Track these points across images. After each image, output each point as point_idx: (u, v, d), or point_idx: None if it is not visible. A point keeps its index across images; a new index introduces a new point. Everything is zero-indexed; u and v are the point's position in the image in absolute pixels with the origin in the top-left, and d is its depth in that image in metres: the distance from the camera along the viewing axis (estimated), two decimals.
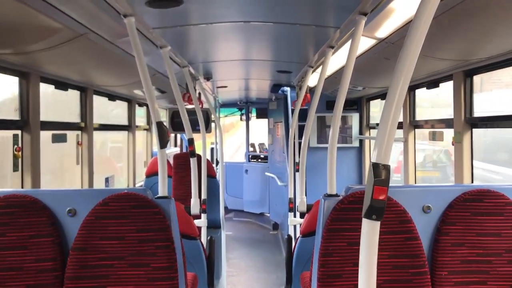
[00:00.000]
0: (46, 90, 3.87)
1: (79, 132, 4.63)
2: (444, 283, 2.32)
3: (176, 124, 6.47)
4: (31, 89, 3.48)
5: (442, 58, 3.33)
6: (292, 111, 7.26)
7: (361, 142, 7.08)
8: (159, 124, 2.56)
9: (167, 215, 2.42)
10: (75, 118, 4.60)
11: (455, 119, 3.78)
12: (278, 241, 8.83)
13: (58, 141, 4.19)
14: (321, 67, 3.64)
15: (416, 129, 4.90)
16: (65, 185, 4.85)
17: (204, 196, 4.62)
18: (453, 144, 3.83)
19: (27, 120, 3.47)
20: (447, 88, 4.11)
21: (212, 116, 6.76)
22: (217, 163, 8.74)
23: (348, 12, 2.59)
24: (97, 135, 5.01)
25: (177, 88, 3.59)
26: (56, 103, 4.50)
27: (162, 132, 2.56)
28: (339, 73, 4.69)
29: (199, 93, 5.19)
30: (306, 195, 4.41)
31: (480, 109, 3.69)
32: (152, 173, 5.83)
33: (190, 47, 3.83)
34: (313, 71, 4.45)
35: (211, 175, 5.86)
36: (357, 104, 6.98)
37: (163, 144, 2.58)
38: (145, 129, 7.21)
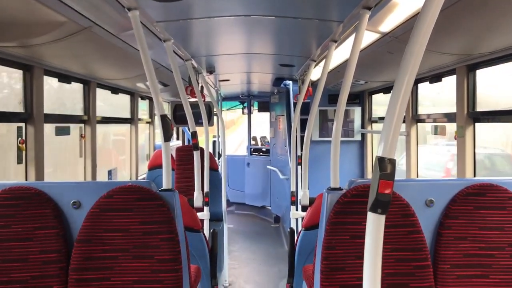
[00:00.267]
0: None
1: (82, 125, 4.65)
2: (447, 277, 2.34)
3: (178, 117, 6.49)
4: (35, 82, 3.49)
5: (446, 53, 3.33)
6: (294, 104, 7.27)
7: (363, 136, 7.08)
8: (164, 117, 2.57)
9: (171, 207, 2.43)
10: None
11: (458, 114, 3.79)
12: (280, 234, 8.86)
13: (61, 134, 4.21)
14: (323, 61, 3.64)
15: (419, 123, 4.91)
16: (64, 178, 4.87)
17: (206, 189, 4.63)
18: (455, 138, 3.84)
19: (31, 113, 3.49)
20: (448, 87, 4.12)
21: (215, 110, 6.77)
22: (219, 156, 8.75)
23: (351, 6, 2.59)
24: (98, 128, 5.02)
25: (181, 82, 3.59)
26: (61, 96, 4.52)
27: (167, 125, 2.57)
28: (342, 67, 4.69)
29: (202, 87, 5.19)
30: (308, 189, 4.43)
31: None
32: (154, 166, 5.85)
33: (193, 40, 3.83)
34: (315, 65, 4.45)
35: (214, 168, 5.88)
36: (359, 98, 6.98)
37: (167, 137, 2.59)
38: (147, 122, 7.22)
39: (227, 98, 11.09)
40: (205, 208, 4.54)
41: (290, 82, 7.67)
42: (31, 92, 3.48)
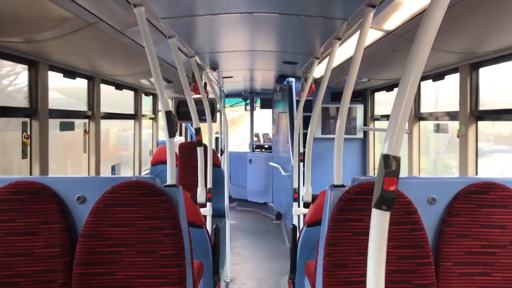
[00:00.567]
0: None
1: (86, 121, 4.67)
2: (449, 274, 2.35)
3: (182, 113, 6.50)
4: (40, 77, 3.51)
5: (449, 51, 3.33)
6: (297, 101, 7.27)
7: (365, 133, 7.09)
8: (168, 114, 2.58)
9: (175, 203, 2.45)
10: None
11: (461, 112, 3.79)
12: (281, 231, 8.88)
13: (65, 129, 4.23)
14: (327, 58, 3.64)
15: (421, 121, 4.91)
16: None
17: (209, 185, 4.65)
18: (458, 137, 3.85)
19: (36, 108, 3.51)
20: (450, 88, 4.12)
21: (218, 106, 6.78)
22: (222, 152, 8.77)
23: (356, 4, 2.60)
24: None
25: (185, 78, 3.60)
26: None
27: (171, 121, 2.58)
28: (345, 64, 4.69)
29: (205, 83, 5.20)
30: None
31: None
32: (157, 162, 5.87)
33: (197, 37, 3.84)
34: (319, 63, 4.45)
35: (216, 164, 5.90)
36: (361, 95, 6.98)
37: (172, 133, 2.60)
38: (150, 118, 7.24)
39: (230, 94, 11.10)
40: (208, 204, 4.55)
41: (293, 79, 7.68)
42: (36, 87, 3.50)
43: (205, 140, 5.02)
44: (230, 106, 12.48)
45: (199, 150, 4.03)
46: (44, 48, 3.17)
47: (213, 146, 7.68)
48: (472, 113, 3.71)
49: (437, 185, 2.47)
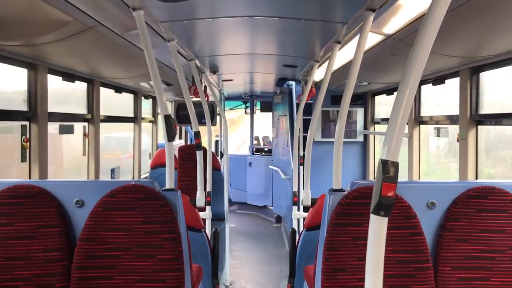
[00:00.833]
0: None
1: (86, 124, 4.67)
2: (448, 279, 2.34)
3: (181, 116, 6.50)
4: (39, 80, 3.51)
5: (449, 55, 3.33)
6: (297, 105, 7.27)
7: (366, 137, 7.08)
8: (167, 117, 2.57)
9: (174, 207, 2.44)
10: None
11: (461, 116, 3.79)
12: (281, 234, 8.86)
13: (65, 133, 4.22)
14: (327, 62, 3.64)
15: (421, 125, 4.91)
16: None
17: (209, 188, 4.64)
18: (458, 141, 3.84)
19: (35, 111, 3.50)
20: (451, 92, 4.11)
21: (218, 109, 6.77)
22: (222, 155, 8.77)
23: (356, 7, 2.59)
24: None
25: (184, 81, 3.60)
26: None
27: (170, 124, 2.57)
28: (345, 67, 4.69)
29: (205, 86, 5.20)
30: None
31: None
32: (157, 165, 5.86)
33: (197, 40, 3.84)
34: (319, 66, 4.45)
35: (216, 168, 5.89)
36: (362, 99, 6.98)
37: (171, 136, 2.59)
38: (150, 121, 7.24)
39: (230, 97, 11.09)
40: (207, 208, 4.54)
41: (293, 82, 7.69)
42: (35, 91, 3.50)
43: (205, 144, 5.01)
44: (230, 109, 12.48)
45: (198, 154, 4.02)
46: (43, 51, 3.17)
47: (213, 150, 7.68)
48: (472, 117, 3.71)
49: (436, 190, 2.46)
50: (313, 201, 4.01)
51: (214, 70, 5.40)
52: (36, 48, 3.05)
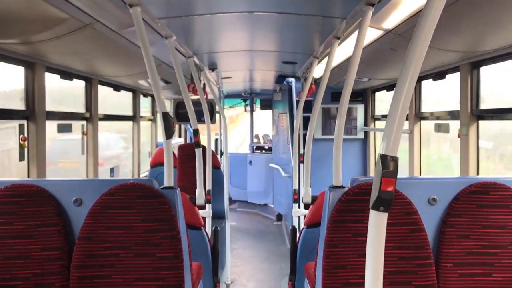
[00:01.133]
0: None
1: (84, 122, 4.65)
2: (449, 275, 2.33)
3: (180, 114, 6.48)
4: (37, 79, 3.49)
5: (449, 50, 3.31)
6: (297, 102, 7.25)
7: (366, 133, 7.06)
8: (165, 115, 2.56)
9: (173, 205, 2.42)
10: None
11: (461, 111, 3.77)
12: (282, 232, 8.86)
13: (63, 131, 4.20)
14: (326, 58, 3.62)
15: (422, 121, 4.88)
16: None
17: (208, 186, 4.63)
18: (459, 136, 3.82)
19: (33, 110, 3.48)
20: (450, 88, 4.08)
21: (217, 107, 6.76)
22: (222, 154, 8.75)
23: (355, 2, 2.58)
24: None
25: (182, 79, 3.58)
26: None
27: (168, 122, 2.56)
28: (345, 64, 4.67)
29: (204, 84, 5.18)
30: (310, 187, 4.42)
31: None
32: (157, 164, 5.85)
33: (195, 37, 3.82)
34: (318, 62, 4.43)
35: (216, 166, 5.87)
36: (362, 95, 6.96)
37: (169, 134, 2.58)
38: (149, 120, 7.22)
39: (229, 95, 11.08)
40: (207, 206, 4.53)
41: (293, 79, 7.67)
42: (33, 89, 3.48)
43: (205, 142, 4.99)
44: (230, 107, 12.46)
45: (198, 152, 4.00)
46: (40, 49, 3.15)
47: (213, 148, 7.67)
48: (473, 112, 3.68)
49: (437, 186, 2.44)
50: (314, 199, 4.00)
51: (213, 67, 5.38)
52: (32, 46, 3.03)
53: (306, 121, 5.60)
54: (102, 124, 4.87)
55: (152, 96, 7.08)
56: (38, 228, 2.37)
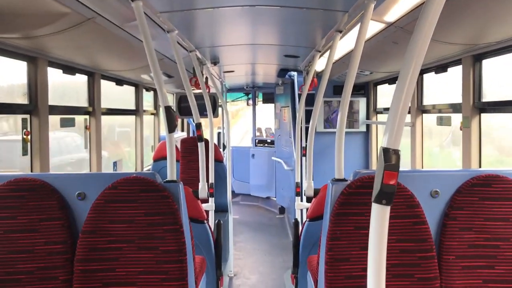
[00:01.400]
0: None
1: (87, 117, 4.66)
2: (452, 267, 2.33)
3: (183, 108, 6.48)
4: (39, 73, 3.49)
5: (451, 42, 3.30)
6: (299, 95, 7.25)
7: (368, 127, 7.06)
8: (168, 109, 2.56)
9: (176, 199, 2.43)
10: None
11: (464, 104, 3.76)
12: (285, 225, 8.87)
13: (66, 126, 4.21)
14: (328, 51, 3.62)
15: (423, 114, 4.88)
16: None
17: (211, 180, 4.64)
18: (461, 129, 3.81)
19: (35, 105, 3.49)
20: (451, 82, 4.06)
21: (219, 101, 6.76)
22: (224, 147, 8.76)
23: None
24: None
25: (185, 73, 3.58)
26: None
27: (171, 116, 2.56)
28: (347, 57, 4.66)
29: (206, 78, 5.18)
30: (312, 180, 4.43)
31: None
32: (159, 157, 5.86)
33: (197, 31, 3.81)
34: (320, 56, 4.43)
35: (219, 160, 5.89)
36: (364, 88, 6.95)
37: (171, 128, 2.58)
38: (152, 114, 7.23)
39: (231, 89, 11.07)
40: (210, 199, 4.54)
41: (295, 73, 7.65)
42: (36, 84, 3.49)
43: (208, 136, 5.00)
44: (232, 101, 12.45)
45: (200, 146, 4.01)
46: (42, 44, 3.15)
47: (215, 141, 7.67)
48: (475, 105, 3.68)
49: (439, 178, 2.45)
50: (316, 192, 4.00)
51: (215, 61, 5.37)
52: (35, 40, 3.03)
53: (308, 115, 5.60)
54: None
55: (155, 90, 7.08)
56: (41, 222, 2.38)
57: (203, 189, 4.03)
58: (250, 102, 11.45)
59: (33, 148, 3.49)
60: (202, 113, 4.36)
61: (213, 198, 4.59)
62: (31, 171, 3.50)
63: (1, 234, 2.36)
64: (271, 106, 10.74)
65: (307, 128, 4.95)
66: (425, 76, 4.80)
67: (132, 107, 6.24)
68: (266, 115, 11.99)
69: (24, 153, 3.44)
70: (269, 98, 10.94)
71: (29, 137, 3.44)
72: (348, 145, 6.68)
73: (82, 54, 3.86)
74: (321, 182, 3.57)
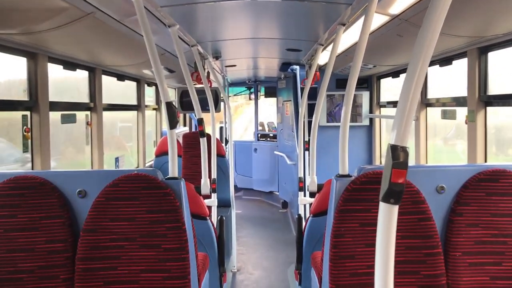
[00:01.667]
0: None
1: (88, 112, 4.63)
2: (458, 264, 2.30)
3: (185, 103, 6.46)
4: (39, 69, 3.46)
5: (457, 35, 3.25)
6: (301, 89, 7.21)
7: (371, 120, 7.02)
8: (169, 104, 2.53)
9: (178, 196, 2.40)
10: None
11: (469, 97, 3.71)
12: (287, 220, 8.86)
13: (67, 122, 4.18)
14: (331, 44, 3.58)
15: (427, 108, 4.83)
16: None
17: (214, 175, 4.61)
18: (466, 123, 3.77)
19: (36, 101, 3.46)
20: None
21: (221, 95, 6.73)
22: (226, 142, 8.74)
23: None
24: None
25: (186, 68, 3.55)
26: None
27: (172, 112, 2.53)
28: (350, 51, 4.62)
29: (208, 72, 5.14)
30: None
31: None
32: (161, 153, 5.84)
33: (198, 25, 3.77)
34: (323, 49, 4.38)
35: (221, 154, 5.86)
36: (367, 82, 6.90)
37: (173, 124, 2.55)
38: (154, 109, 7.20)
39: (233, 83, 11.03)
40: (213, 195, 4.52)
41: (297, 67, 7.61)
42: (36, 80, 3.45)
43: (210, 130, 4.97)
44: (234, 95, 12.42)
45: (202, 141, 3.98)
46: (42, 39, 3.12)
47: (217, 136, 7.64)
48: (481, 98, 3.63)
49: (445, 174, 2.41)
50: (319, 187, 3.97)
51: (217, 55, 5.34)
52: (34, 36, 3.00)
53: (310, 109, 5.56)
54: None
55: (157, 85, 7.05)
56: (42, 221, 2.36)
57: (205, 185, 4.00)
58: (252, 96, 11.41)
59: (33, 145, 3.46)
60: (204, 108, 4.32)
61: (216, 193, 4.57)
62: (32, 168, 3.48)
63: (1, 232, 2.34)
64: (272, 101, 10.71)
65: (309, 122, 4.92)
66: (429, 69, 4.75)
67: (134, 102, 6.21)
68: (267, 111, 11.96)
69: (25, 150, 3.42)
70: (271, 92, 10.90)
71: (29, 134, 3.41)
72: (351, 139, 6.60)
73: (83, 50, 3.83)
74: (324, 176, 3.54)
